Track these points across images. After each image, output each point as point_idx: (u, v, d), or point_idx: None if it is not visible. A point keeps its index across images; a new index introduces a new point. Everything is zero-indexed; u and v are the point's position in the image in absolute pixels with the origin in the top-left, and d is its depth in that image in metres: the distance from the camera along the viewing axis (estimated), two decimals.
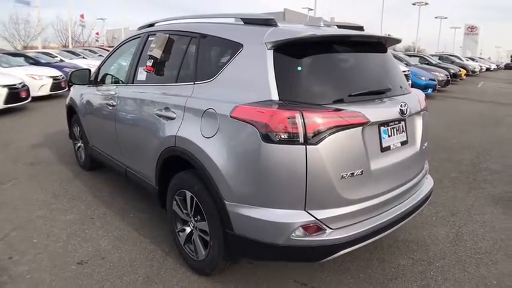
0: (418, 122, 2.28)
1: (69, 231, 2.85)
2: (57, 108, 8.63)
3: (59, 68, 10.65)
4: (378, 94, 2.04)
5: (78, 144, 4.29)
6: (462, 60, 24.32)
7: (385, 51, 2.31)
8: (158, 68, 2.56)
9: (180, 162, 2.27)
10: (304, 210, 1.74)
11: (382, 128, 1.96)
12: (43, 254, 2.53)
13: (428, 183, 2.46)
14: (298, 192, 1.71)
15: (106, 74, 3.49)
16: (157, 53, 2.52)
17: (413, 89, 2.46)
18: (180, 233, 2.39)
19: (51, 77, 9.72)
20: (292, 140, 1.66)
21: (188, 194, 2.20)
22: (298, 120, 1.65)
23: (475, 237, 2.86)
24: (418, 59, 16.23)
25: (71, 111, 4.26)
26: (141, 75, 2.77)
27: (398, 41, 2.42)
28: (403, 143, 2.12)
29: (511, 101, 12.23)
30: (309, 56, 1.88)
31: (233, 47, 1.99)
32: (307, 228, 1.73)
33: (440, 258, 2.57)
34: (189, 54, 2.33)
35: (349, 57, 2.03)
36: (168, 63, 2.51)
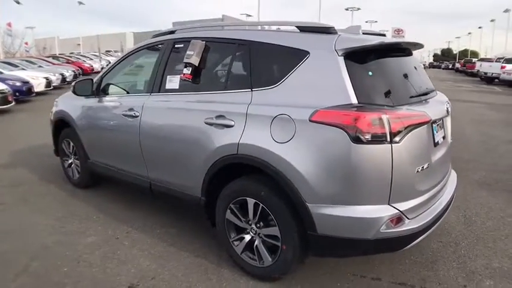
0: (449, 119, 2.55)
1: (98, 254, 2.63)
2: (10, 125, 7.76)
3: (1, 80, 9.54)
4: (425, 95, 2.25)
5: (70, 161, 3.94)
6: None
7: (412, 55, 2.55)
8: (197, 75, 2.50)
9: (234, 170, 2.26)
10: (388, 204, 1.86)
11: (433, 125, 2.17)
12: (83, 281, 2.32)
13: (453, 175, 2.74)
14: (384, 187, 1.83)
15: (114, 84, 3.27)
16: (196, 61, 2.47)
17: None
18: (236, 242, 2.36)
19: None
20: (379, 140, 1.78)
21: (251, 201, 2.19)
22: (385, 121, 1.77)
23: (481, 218, 3.24)
24: None
25: (60, 125, 3.90)
26: (172, 83, 2.67)
27: (422, 46, 2.67)
28: (444, 138, 2.36)
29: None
30: (373, 62, 2.01)
31: (298, 54, 2.05)
32: (392, 220, 1.86)
33: (463, 238, 2.87)
34: (238, 61, 2.32)
35: (399, 62, 2.21)
36: (210, 70, 2.47)
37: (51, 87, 12.81)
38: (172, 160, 2.63)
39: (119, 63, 3.31)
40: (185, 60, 2.49)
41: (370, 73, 1.96)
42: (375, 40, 1.95)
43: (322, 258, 2.45)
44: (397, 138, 1.80)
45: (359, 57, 1.96)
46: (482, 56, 39.23)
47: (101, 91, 3.35)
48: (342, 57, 1.92)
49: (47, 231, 2.98)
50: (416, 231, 1.93)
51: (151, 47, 2.99)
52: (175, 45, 2.73)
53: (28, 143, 5.84)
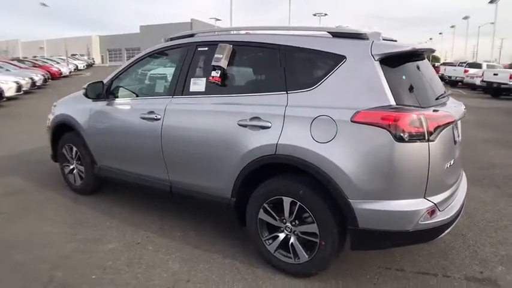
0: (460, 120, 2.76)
1: (124, 260, 2.58)
2: None
3: None
4: (442, 97, 2.43)
5: (71, 167, 3.81)
6: None
7: (425, 59, 2.73)
8: (226, 78, 2.54)
9: (267, 171, 2.32)
10: (424, 197, 2.00)
11: (453, 125, 2.35)
12: None
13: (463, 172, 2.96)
14: (421, 182, 1.97)
15: (126, 88, 3.21)
16: (225, 64, 2.51)
17: None
18: (269, 241, 2.42)
19: None
20: (419, 138, 1.92)
21: (287, 200, 2.26)
22: (423, 121, 1.92)
23: (479, 211, 3.50)
24: None
25: (61, 129, 3.77)
26: (196, 86, 2.68)
27: (434, 50, 2.86)
28: (458, 137, 2.56)
29: None
30: (403, 66, 2.16)
31: (334, 59, 2.15)
32: (428, 212, 2.00)
33: (468, 230, 3.09)
34: (271, 65, 2.39)
35: (420, 66, 2.38)
36: (240, 73, 2.52)
37: (22, 92, 12.15)
38: (198, 162, 2.63)
39: (130, 66, 3.26)
40: (214, 63, 2.52)
41: (404, 77, 2.10)
42: (408, 46, 2.11)
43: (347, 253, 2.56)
44: (432, 137, 1.95)
45: (392, 62, 2.10)
46: (442, 60, 41.70)
47: (111, 94, 3.28)
48: (378, 61, 2.05)
49: (61, 239, 2.87)
50: (446, 222, 2.09)
51: (170, 50, 2.98)
52: (198, 48, 2.75)
53: (12, 150, 5.54)
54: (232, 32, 2.72)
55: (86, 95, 3.27)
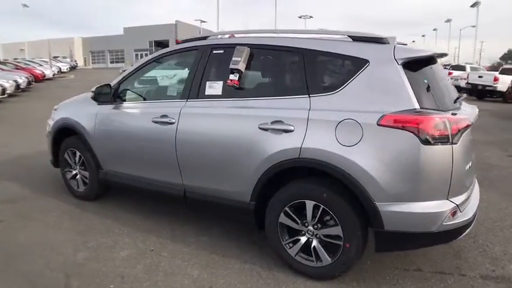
0: None
1: (140, 268, 2.52)
2: None
3: None
4: (457, 100, 2.49)
5: (74, 172, 3.71)
6: None
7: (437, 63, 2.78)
8: (244, 81, 2.53)
9: (288, 174, 2.32)
10: (447, 199, 2.05)
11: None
12: None
13: None
14: (445, 184, 2.01)
15: (134, 91, 3.16)
16: (243, 67, 2.50)
17: None
18: (289, 244, 2.41)
19: None
20: (443, 141, 1.96)
21: (310, 203, 2.26)
22: (447, 125, 1.96)
23: (483, 211, 3.55)
24: None
25: (63, 134, 3.67)
26: (212, 89, 2.66)
27: (446, 54, 2.92)
28: (471, 140, 2.63)
29: None
30: (423, 70, 2.21)
31: (357, 63, 2.18)
32: (451, 213, 2.04)
33: (476, 230, 3.13)
34: (291, 68, 2.40)
35: (436, 70, 2.43)
36: (258, 76, 2.52)
37: (6, 95, 11.77)
38: (216, 166, 2.60)
39: (139, 69, 3.20)
40: (232, 66, 2.51)
41: (425, 80, 2.15)
42: (429, 51, 2.15)
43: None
44: (455, 140, 2.00)
45: (413, 66, 2.14)
46: None
47: (118, 97, 3.22)
48: (401, 65, 2.09)
49: (71, 247, 2.78)
50: (466, 223, 2.14)
51: (182, 53, 2.95)
52: (213, 51, 2.74)
53: (6, 155, 5.35)
54: (250, 35, 2.71)
55: (94, 98, 3.20)
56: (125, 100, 3.20)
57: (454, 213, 2.08)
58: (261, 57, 2.57)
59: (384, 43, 2.22)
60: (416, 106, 2.02)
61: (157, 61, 3.13)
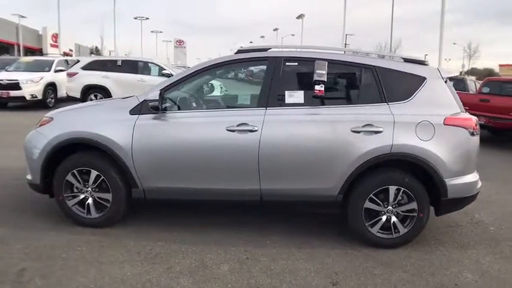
0: None
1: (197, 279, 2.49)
2: None
3: None
4: None
5: (82, 196, 3.07)
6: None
7: None
8: (326, 91, 2.91)
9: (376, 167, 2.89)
10: (475, 172, 3.08)
11: None
12: None
13: None
14: (475, 162, 3.03)
15: (193, 100, 2.98)
16: (326, 78, 2.89)
17: None
18: (372, 225, 2.96)
19: None
20: (476, 133, 2.95)
21: (392, 188, 2.89)
22: (477, 122, 2.98)
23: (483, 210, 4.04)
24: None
25: (65, 152, 3.02)
26: (293, 98, 2.91)
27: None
28: None
29: None
30: (449, 84, 3.18)
31: (418, 79, 2.94)
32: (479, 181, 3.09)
33: (487, 217, 3.90)
34: (367, 81, 2.94)
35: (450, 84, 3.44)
36: (337, 87, 2.95)
37: None
38: (303, 167, 2.88)
39: (190, 76, 3.02)
40: (317, 78, 2.85)
41: (455, 91, 3.12)
42: (455, 72, 3.14)
43: None
44: (476, 132, 3.04)
45: (447, 82, 3.09)
46: None
47: (168, 107, 2.96)
48: (445, 82, 2.99)
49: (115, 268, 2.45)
50: (480, 189, 3.21)
51: (247, 63, 3.02)
52: (286, 63, 2.98)
53: None
54: (325, 51, 3.09)
55: (137, 109, 2.84)
56: (179, 108, 2.98)
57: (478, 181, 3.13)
58: (337, 71, 3.01)
59: (427, 64, 3.09)
60: (458, 110, 2.96)
61: (215, 70, 3.06)
